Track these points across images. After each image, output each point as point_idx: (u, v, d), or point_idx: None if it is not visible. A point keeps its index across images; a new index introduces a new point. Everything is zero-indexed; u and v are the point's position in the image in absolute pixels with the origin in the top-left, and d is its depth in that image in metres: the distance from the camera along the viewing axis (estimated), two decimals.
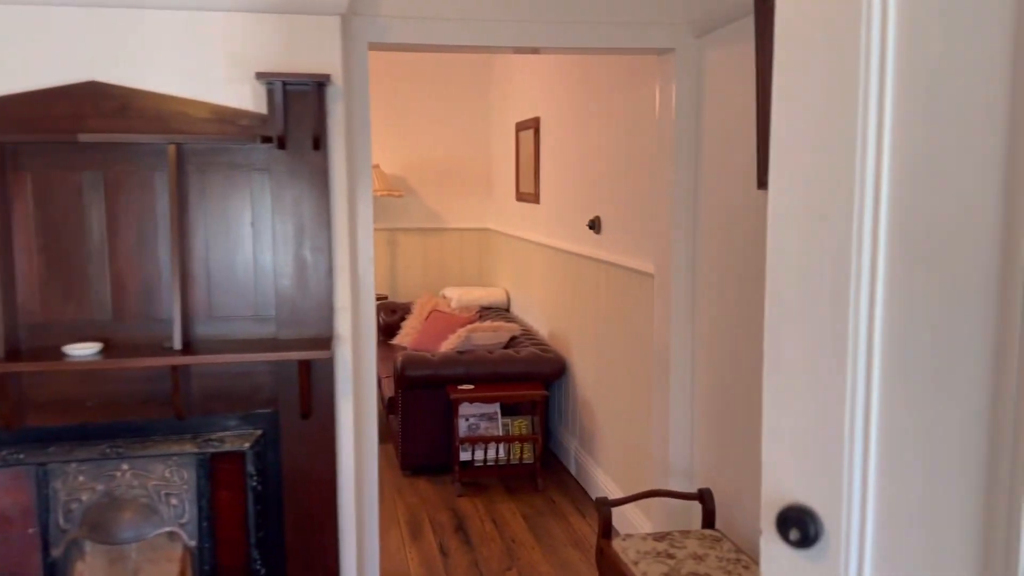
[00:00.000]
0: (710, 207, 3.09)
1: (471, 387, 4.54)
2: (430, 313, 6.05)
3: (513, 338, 5.10)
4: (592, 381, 4.46)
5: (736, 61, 2.86)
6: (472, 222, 6.85)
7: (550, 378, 4.73)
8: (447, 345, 5.01)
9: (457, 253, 6.89)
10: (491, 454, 4.54)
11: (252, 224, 2.65)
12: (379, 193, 6.25)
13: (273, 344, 2.62)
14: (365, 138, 2.97)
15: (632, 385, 3.86)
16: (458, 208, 6.82)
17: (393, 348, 6.06)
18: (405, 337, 6.10)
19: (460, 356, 4.69)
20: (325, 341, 2.63)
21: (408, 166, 6.72)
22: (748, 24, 2.71)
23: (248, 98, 2.63)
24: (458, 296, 6.18)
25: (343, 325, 2.73)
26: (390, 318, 6.41)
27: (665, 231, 3.31)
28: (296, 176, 2.63)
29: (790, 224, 1.18)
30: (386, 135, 6.63)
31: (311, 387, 2.66)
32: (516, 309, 6.13)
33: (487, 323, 5.26)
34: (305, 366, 2.60)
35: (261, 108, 2.62)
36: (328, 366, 2.69)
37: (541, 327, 5.45)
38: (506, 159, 6.26)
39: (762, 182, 2.59)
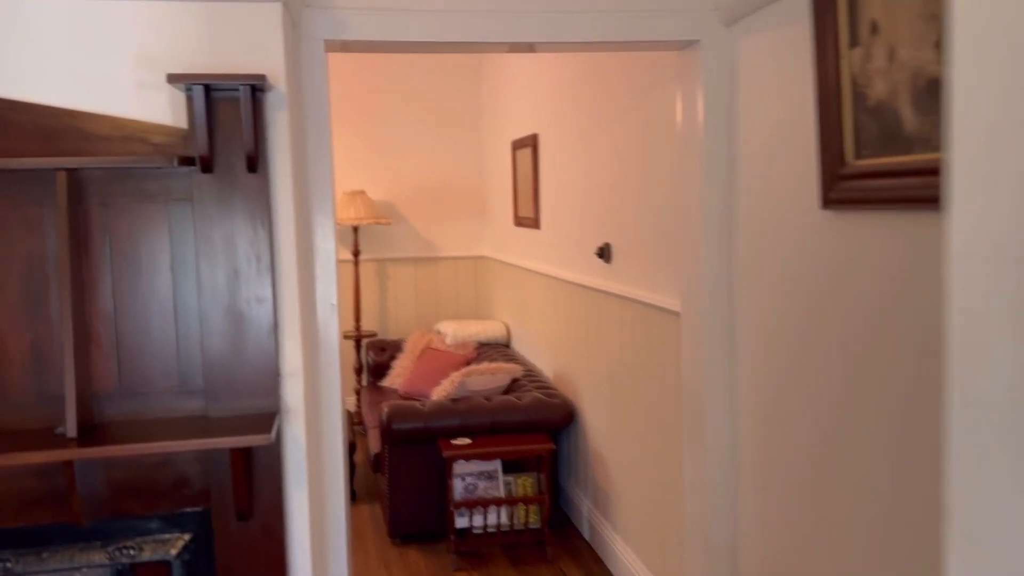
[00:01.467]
0: (752, 233, 2.51)
1: (468, 441, 3.94)
2: (423, 351, 5.49)
3: (514, 380, 4.51)
4: (606, 431, 3.85)
5: (782, 50, 2.29)
6: (467, 250, 6.28)
7: (557, 427, 4.13)
8: (439, 392, 4.42)
9: (452, 284, 6.31)
10: (492, 519, 3.93)
11: (172, 269, 2.07)
12: (366, 222, 5.72)
13: (202, 425, 2.02)
14: (323, 157, 2.40)
15: (655, 440, 3.26)
16: (451, 235, 6.25)
17: (383, 391, 5.47)
18: (396, 378, 5.53)
19: (454, 405, 4.09)
20: (267, 418, 2.03)
21: (396, 191, 6.16)
22: (798, 1, 2.14)
23: (165, 109, 2.06)
24: (453, 331, 5.61)
25: (293, 395, 2.13)
26: (379, 357, 5.84)
27: (693, 262, 2.72)
28: (227, 206, 2.05)
29: (989, 266, 0.75)
30: (371, 158, 6.09)
31: (251, 478, 2.06)
32: (517, 345, 5.54)
33: (484, 365, 4.66)
34: (240, 454, 1.99)
35: (182, 121, 2.05)
36: (273, 451, 2.09)
37: (545, 366, 4.85)
38: (502, 181, 5.70)
39: (828, 200, 2.01)
